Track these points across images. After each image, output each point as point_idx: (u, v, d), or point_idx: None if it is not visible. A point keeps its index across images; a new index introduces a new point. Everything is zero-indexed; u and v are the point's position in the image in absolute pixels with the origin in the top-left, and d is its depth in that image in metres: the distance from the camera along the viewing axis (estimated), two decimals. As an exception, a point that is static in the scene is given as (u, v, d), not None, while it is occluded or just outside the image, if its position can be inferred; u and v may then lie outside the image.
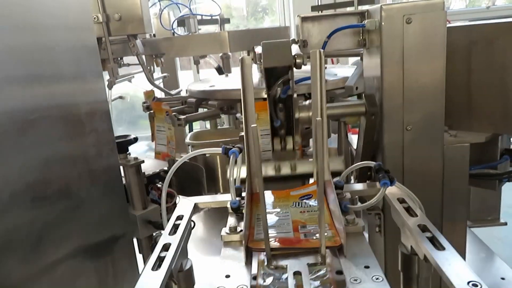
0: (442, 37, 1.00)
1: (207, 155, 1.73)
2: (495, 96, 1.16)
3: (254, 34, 1.96)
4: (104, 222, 1.17)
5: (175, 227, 0.81)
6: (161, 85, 2.13)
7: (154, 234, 1.42)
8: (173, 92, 2.02)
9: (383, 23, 1.00)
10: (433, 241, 0.67)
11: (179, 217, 0.85)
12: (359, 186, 0.90)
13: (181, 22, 2.18)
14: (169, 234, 0.79)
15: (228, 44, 1.79)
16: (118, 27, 1.53)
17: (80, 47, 1.07)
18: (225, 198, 0.90)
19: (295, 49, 1.02)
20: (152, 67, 1.97)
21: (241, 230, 0.76)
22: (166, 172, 1.58)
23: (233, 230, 0.76)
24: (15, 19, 0.85)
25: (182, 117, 1.49)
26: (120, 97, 2.14)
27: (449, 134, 1.15)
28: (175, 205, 1.60)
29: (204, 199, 0.94)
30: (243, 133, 1.78)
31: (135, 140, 1.40)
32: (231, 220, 0.82)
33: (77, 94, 1.05)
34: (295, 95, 0.99)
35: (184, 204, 0.91)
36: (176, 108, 1.70)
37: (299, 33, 1.11)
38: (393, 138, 1.06)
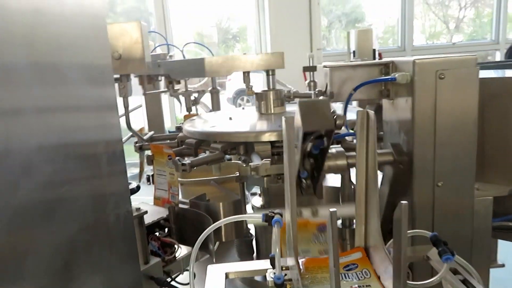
0: (474, 93, 0.98)
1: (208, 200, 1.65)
2: (508, 149, 1.16)
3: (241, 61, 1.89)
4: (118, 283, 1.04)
5: (214, 306, 0.73)
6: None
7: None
8: (145, 137, 1.93)
9: (415, 78, 0.98)
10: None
11: (214, 292, 0.77)
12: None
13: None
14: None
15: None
16: (117, 66, 1.44)
17: (98, 79, 0.94)
18: (260, 267, 0.82)
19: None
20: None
21: (294, 312, 0.68)
22: (166, 220, 1.47)
23: (286, 313, 0.68)
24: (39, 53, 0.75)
25: (187, 162, 1.39)
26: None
27: (472, 187, 1.13)
28: (175, 257, 1.51)
29: (236, 268, 0.86)
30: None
31: (138, 188, 1.30)
32: (276, 297, 0.73)
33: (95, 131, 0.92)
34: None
35: (214, 274, 0.82)
36: (174, 149, 1.61)
37: (327, 83, 1.07)
38: (424, 195, 1.02)
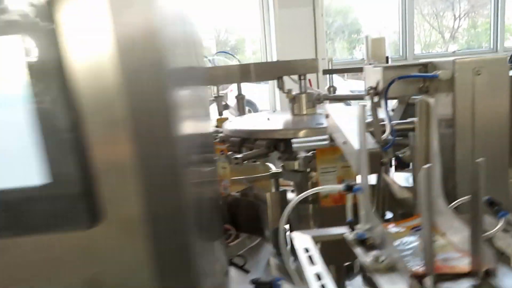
0: (507, 86, 1.16)
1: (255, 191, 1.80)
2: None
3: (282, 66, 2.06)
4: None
5: (310, 259, 0.88)
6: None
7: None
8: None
9: (456, 75, 1.15)
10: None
11: (306, 250, 0.92)
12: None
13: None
14: (310, 265, 0.85)
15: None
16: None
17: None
18: (341, 231, 0.97)
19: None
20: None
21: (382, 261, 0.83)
22: (220, 209, 1.63)
23: (376, 260, 0.84)
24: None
25: (239, 156, 1.56)
26: None
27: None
28: (229, 242, 1.66)
29: (320, 233, 1.01)
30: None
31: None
32: (359, 251, 0.88)
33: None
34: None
35: (301, 239, 0.98)
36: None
37: (378, 81, 1.24)
38: (465, 180, 1.18)
